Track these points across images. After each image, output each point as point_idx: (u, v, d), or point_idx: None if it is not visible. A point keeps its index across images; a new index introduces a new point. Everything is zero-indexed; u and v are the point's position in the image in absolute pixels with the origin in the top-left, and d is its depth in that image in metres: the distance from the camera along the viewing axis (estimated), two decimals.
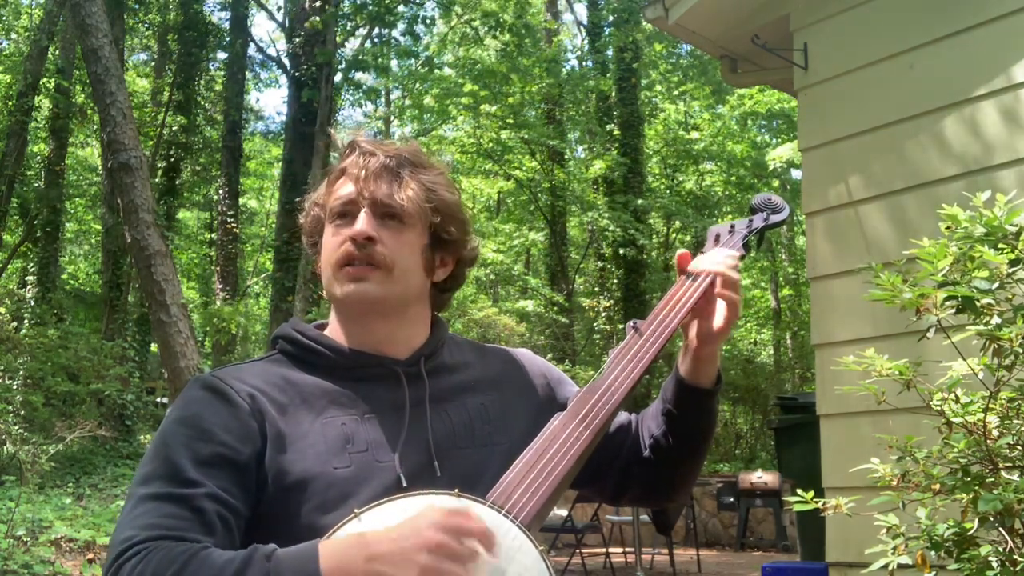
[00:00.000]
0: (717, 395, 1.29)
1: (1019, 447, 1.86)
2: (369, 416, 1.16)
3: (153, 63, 19.39)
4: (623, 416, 1.35)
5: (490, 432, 1.21)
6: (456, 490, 1.05)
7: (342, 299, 1.20)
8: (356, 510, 1.02)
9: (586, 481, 1.28)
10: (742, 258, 1.34)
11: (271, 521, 1.09)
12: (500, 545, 1.02)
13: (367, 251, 1.17)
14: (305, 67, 13.03)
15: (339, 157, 1.26)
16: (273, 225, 18.12)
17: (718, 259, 1.27)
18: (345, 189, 1.21)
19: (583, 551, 7.61)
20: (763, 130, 19.13)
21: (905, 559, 1.84)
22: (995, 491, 1.71)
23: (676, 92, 18.49)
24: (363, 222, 1.17)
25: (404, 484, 1.11)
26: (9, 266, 17.06)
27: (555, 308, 15.66)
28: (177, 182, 15.82)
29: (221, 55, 17.31)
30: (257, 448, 1.10)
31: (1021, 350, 1.79)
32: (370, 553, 0.95)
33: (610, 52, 16.81)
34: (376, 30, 14.58)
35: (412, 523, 0.97)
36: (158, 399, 17.35)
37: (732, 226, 1.39)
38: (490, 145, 15.24)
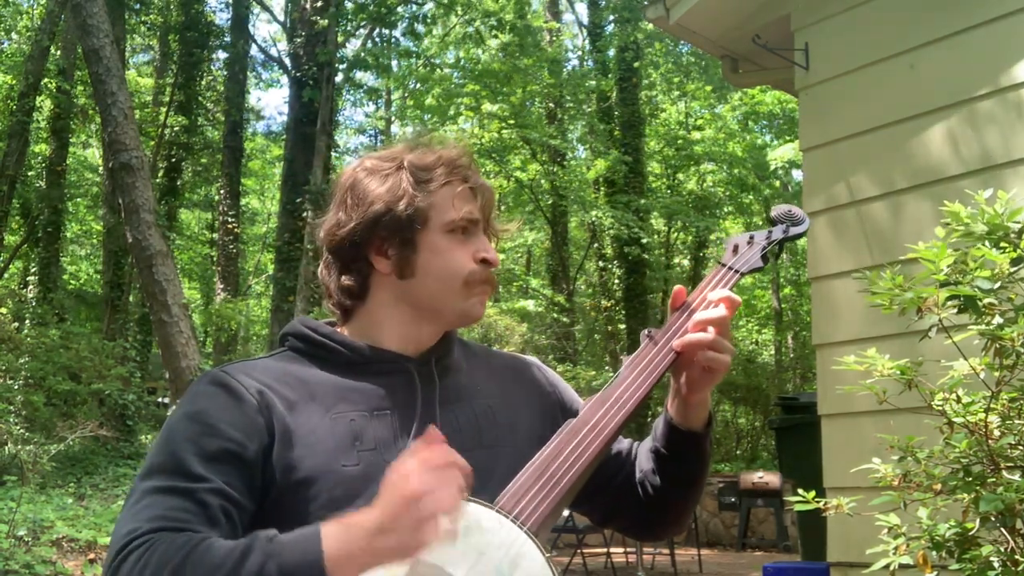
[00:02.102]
0: (708, 437, 1.27)
1: (1020, 447, 1.85)
2: (379, 413, 1.16)
3: (154, 63, 19.42)
4: (624, 443, 1.35)
5: (497, 435, 1.22)
6: (464, 492, 1.05)
7: (466, 313, 1.22)
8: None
9: (579, 501, 1.27)
10: (760, 269, 1.34)
11: (278, 517, 1.08)
12: (507, 552, 1.02)
13: (492, 274, 1.24)
14: (306, 67, 13.03)
15: (449, 166, 1.22)
16: (274, 225, 18.13)
17: (709, 315, 1.23)
18: (473, 207, 1.23)
19: (584, 551, 7.61)
20: (764, 130, 19.13)
21: (906, 559, 1.84)
22: (996, 491, 1.71)
23: (676, 93, 18.50)
24: (493, 249, 1.24)
25: None
26: (11, 266, 17.08)
27: (556, 308, 15.66)
28: (178, 182, 15.84)
29: (222, 55, 17.33)
30: (264, 444, 1.10)
31: (1023, 350, 1.79)
32: (369, 527, 0.95)
33: (611, 52, 16.82)
34: (377, 30, 14.59)
35: (389, 487, 0.97)
36: (159, 399, 17.38)
37: (751, 237, 1.37)
38: (491, 145, 15.26)
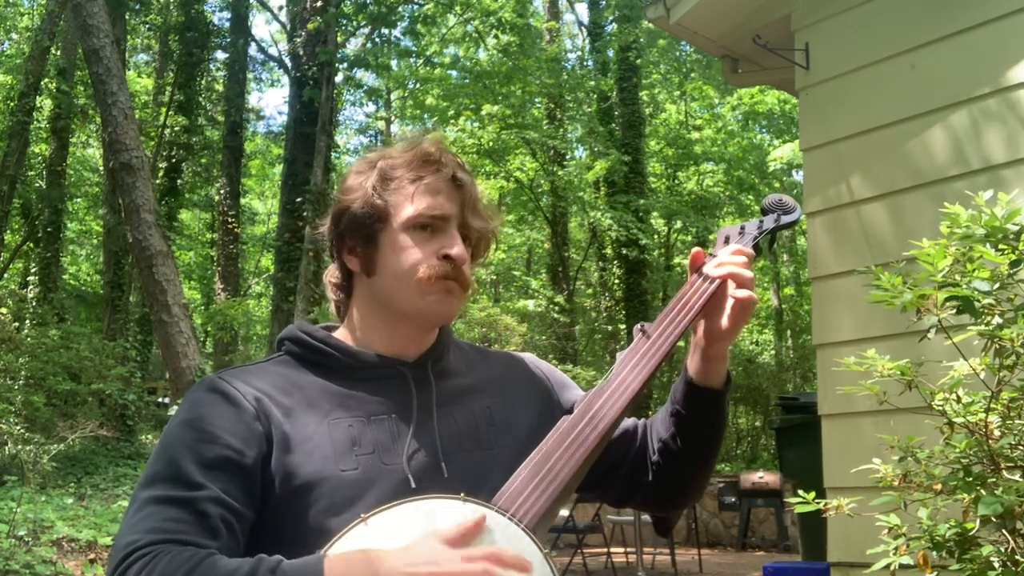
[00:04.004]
0: (727, 395, 1.27)
1: (1021, 447, 1.85)
2: (375, 418, 1.16)
3: (154, 63, 19.42)
4: (629, 422, 1.34)
5: (495, 434, 1.22)
6: (462, 494, 1.05)
7: (425, 312, 1.19)
8: (363, 515, 1.03)
9: (591, 486, 1.27)
10: (753, 259, 1.33)
11: (278, 524, 1.09)
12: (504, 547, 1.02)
13: (460, 271, 1.19)
14: (306, 67, 13.03)
15: (416, 162, 1.21)
16: (274, 225, 18.13)
17: (730, 259, 1.26)
18: (434, 202, 1.19)
19: (584, 551, 7.61)
20: (763, 130, 19.12)
21: (907, 559, 1.84)
22: (996, 491, 1.71)
23: (677, 93, 18.49)
24: (460, 245, 1.20)
25: (413, 486, 1.11)
26: (11, 266, 17.08)
27: (556, 308, 15.66)
28: (178, 182, 15.84)
29: (222, 55, 17.34)
30: (263, 451, 1.10)
31: (1022, 350, 1.78)
32: (376, 571, 0.95)
33: (611, 52, 16.81)
34: (377, 30, 14.59)
35: (421, 545, 0.98)
36: (160, 399, 17.39)
37: (742, 227, 1.37)
38: (491, 145, 15.26)
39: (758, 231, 1.36)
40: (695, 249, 1.30)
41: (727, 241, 1.35)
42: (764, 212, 1.40)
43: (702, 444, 1.28)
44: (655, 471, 1.30)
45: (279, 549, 1.02)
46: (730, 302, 1.23)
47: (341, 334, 1.26)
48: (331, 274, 1.28)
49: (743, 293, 1.22)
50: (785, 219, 1.38)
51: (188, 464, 1.06)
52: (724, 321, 1.23)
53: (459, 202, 1.22)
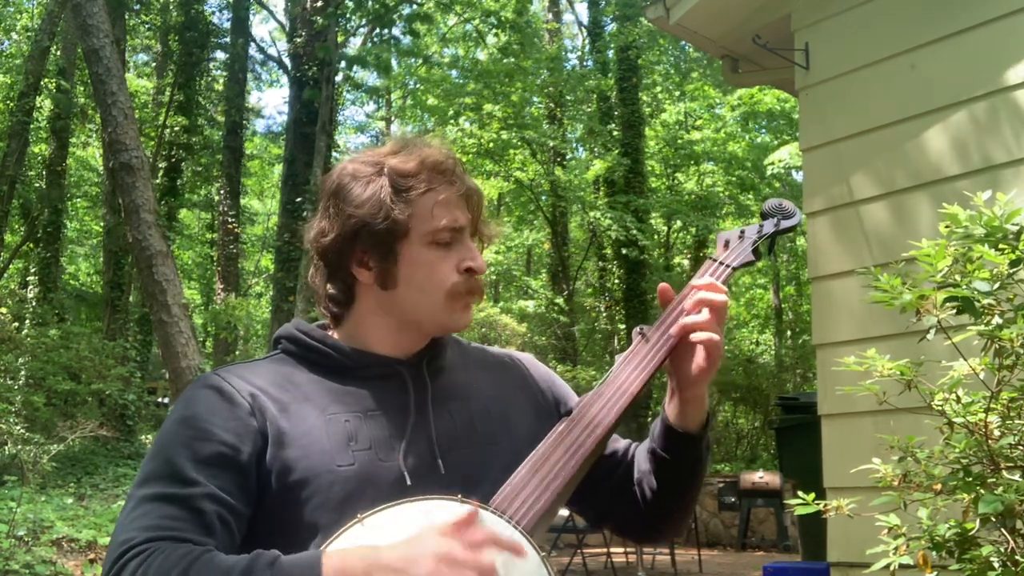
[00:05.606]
0: (704, 440, 1.25)
1: (1020, 447, 1.85)
2: (372, 414, 1.16)
3: (154, 63, 19.44)
4: (621, 443, 1.34)
5: (492, 431, 1.21)
6: (459, 495, 1.05)
7: (448, 325, 1.21)
8: (360, 515, 1.02)
9: (573, 500, 1.26)
10: (752, 264, 1.32)
11: (274, 519, 1.09)
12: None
13: (479, 282, 1.21)
14: (306, 67, 13.04)
15: (430, 172, 1.18)
16: (274, 225, 18.13)
17: (688, 316, 1.21)
18: (453, 215, 1.18)
19: (584, 551, 7.61)
20: (763, 131, 19.11)
21: (907, 559, 1.84)
22: (996, 491, 1.71)
23: (676, 93, 18.50)
24: (480, 257, 1.21)
25: (409, 483, 1.11)
26: (11, 266, 17.07)
27: (556, 308, 15.66)
28: (178, 182, 15.85)
29: (222, 55, 17.36)
30: (258, 447, 1.10)
31: (1022, 350, 1.78)
32: (374, 563, 0.95)
33: (611, 53, 16.83)
34: (376, 29, 14.58)
35: (417, 537, 0.98)
36: (159, 399, 17.40)
37: (742, 232, 1.36)
38: (491, 145, 15.26)
39: (758, 235, 1.36)
40: (661, 285, 1.28)
41: (727, 245, 1.34)
42: (764, 216, 1.39)
43: (678, 484, 1.26)
44: (633, 500, 1.29)
45: (275, 545, 1.01)
46: (698, 347, 1.19)
47: (338, 333, 1.25)
48: (325, 286, 1.23)
49: (703, 336, 1.18)
50: (785, 224, 1.37)
51: (183, 461, 1.06)
52: (693, 364, 1.19)
53: (470, 210, 1.22)
